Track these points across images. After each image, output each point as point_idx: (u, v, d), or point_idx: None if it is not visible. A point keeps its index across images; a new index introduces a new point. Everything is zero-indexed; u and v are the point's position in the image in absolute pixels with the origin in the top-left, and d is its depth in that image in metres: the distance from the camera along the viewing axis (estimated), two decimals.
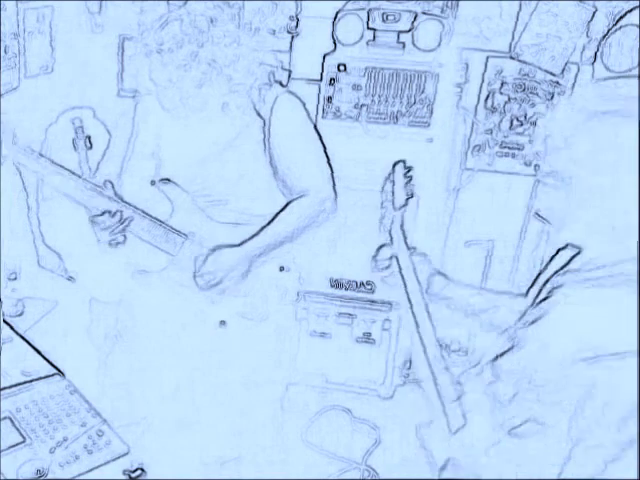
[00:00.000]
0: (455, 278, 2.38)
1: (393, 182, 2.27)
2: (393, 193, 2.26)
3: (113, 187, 2.38)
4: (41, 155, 2.41)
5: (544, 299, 2.14)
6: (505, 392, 2.16)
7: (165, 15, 2.22)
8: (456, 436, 2.24)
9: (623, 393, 2.02)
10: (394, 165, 2.28)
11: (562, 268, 2.14)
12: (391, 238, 2.30)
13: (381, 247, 2.33)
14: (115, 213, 2.35)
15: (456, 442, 2.24)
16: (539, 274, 2.25)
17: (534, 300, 2.20)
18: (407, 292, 2.31)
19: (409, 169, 2.26)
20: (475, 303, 2.30)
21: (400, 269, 2.29)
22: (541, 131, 2.25)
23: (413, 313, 2.31)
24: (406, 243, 2.30)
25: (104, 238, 2.39)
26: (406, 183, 2.26)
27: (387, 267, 2.32)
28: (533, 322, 2.17)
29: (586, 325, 2.05)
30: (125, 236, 2.38)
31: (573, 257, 2.09)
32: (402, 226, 2.29)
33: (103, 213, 2.35)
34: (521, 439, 2.14)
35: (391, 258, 2.31)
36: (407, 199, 2.28)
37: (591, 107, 2.14)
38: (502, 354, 2.21)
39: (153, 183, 2.37)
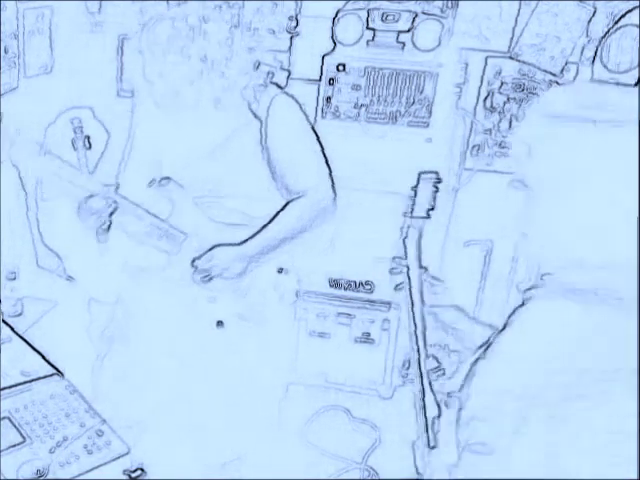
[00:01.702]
0: (454, 279, 2.39)
1: (416, 191, 2.26)
2: (414, 202, 2.25)
3: (117, 189, 2.38)
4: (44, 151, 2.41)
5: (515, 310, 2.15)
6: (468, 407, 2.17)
7: (158, 14, 2.23)
8: (431, 453, 2.25)
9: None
10: (420, 174, 2.27)
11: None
12: (405, 250, 2.30)
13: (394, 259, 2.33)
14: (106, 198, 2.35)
15: (430, 459, 2.25)
16: None
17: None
18: (413, 311, 2.30)
19: (439, 180, 2.26)
20: (476, 334, 2.30)
21: (410, 286, 2.29)
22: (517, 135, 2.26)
23: (416, 334, 2.31)
24: (420, 261, 2.30)
25: (91, 224, 2.38)
26: (433, 193, 2.25)
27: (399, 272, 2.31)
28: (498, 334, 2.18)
29: (551, 336, 2.04)
30: (111, 222, 2.37)
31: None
32: (419, 240, 2.28)
33: (92, 196, 2.35)
34: (476, 456, 2.14)
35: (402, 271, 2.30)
36: (429, 210, 2.27)
37: (559, 112, 2.14)
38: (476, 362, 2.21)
39: (152, 182, 2.37)
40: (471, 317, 2.35)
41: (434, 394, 2.26)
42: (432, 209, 2.29)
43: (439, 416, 2.24)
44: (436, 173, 2.27)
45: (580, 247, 2.01)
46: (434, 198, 2.28)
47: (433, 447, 2.22)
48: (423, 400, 2.26)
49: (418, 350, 2.28)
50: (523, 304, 2.10)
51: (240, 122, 2.32)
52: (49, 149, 2.41)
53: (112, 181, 2.40)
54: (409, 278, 2.30)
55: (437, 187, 2.27)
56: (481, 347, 2.21)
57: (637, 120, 2.01)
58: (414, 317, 2.28)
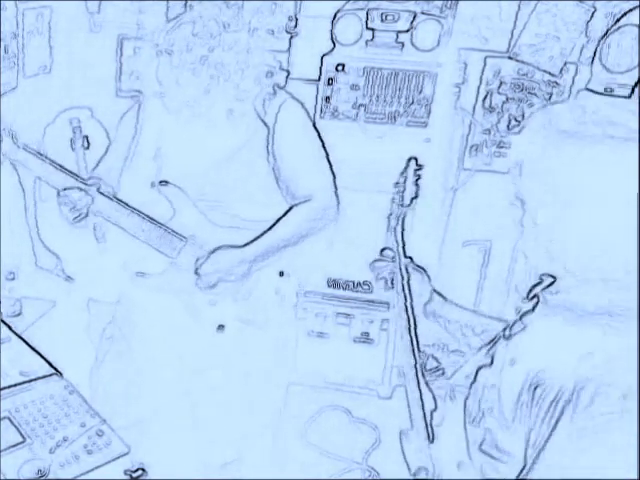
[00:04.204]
0: (452, 279, 2.39)
1: (405, 177, 2.25)
2: (404, 189, 2.25)
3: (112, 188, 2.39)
4: (40, 154, 2.40)
5: (517, 321, 2.14)
6: (474, 408, 2.16)
7: (178, 16, 2.22)
8: (431, 447, 2.24)
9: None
10: (408, 160, 2.26)
11: (535, 295, 2.13)
12: (395, 239, 2.29)
13: (383, 250, 2.31)
14: (82, 190, 2.34)
15: (430, 452, 2.24)
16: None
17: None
18: (406, 304, 2.30)
19: (420, 167, 2.25)
20: (469, 324, 2.29)
21: (402, 278, 2.28)
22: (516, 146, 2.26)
23: (409, 320, 2.31)
24: (404, 250, 2.29)
25: (68, 215, 2.37)
26: (415, 181, 2.24)
27: (390, 275, 2.30)
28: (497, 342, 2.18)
29: (541, 352, 2.04)
30: (88, 213, 2.37)
31: (549, 285, 2.08)
32: (403, 233, 2.28)
33: (71, 188, 2.35)
34: (486, 456, 2.14)
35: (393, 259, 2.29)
36: (412, 199, 2.26)
37: (564, 127, 2.14)
38: (480, 369, 2.20)
39: (154, 185, 2.36)
40: (452, 301, 2.34)
41: (429, 388, 2.26)
42: (416, 197, 2.29)
43: (435, 409, 2.24)
44: (416, 159, 2.27)
45: (580, 263, 2.01)
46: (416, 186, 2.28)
47: (432, 441, 2.22)
48: (420, 393, 2.26)
49: (412, 342, 2.28)
50: (533, 309, 2.10)
51: (249, 132, 2.31)
52: (37, 150, 2.41)
53: (113, 183, 2.40)
54: (400, 270, 2.29)
55: (419, 175, 2.26)
56: (482, 348, 2.21)
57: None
58: (407, 309, 2.27)
